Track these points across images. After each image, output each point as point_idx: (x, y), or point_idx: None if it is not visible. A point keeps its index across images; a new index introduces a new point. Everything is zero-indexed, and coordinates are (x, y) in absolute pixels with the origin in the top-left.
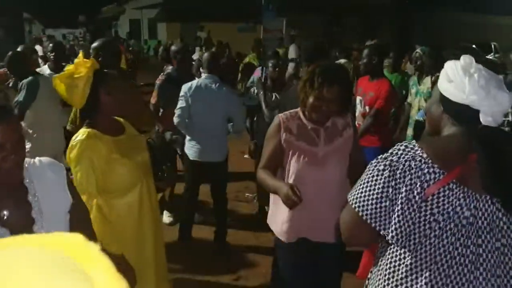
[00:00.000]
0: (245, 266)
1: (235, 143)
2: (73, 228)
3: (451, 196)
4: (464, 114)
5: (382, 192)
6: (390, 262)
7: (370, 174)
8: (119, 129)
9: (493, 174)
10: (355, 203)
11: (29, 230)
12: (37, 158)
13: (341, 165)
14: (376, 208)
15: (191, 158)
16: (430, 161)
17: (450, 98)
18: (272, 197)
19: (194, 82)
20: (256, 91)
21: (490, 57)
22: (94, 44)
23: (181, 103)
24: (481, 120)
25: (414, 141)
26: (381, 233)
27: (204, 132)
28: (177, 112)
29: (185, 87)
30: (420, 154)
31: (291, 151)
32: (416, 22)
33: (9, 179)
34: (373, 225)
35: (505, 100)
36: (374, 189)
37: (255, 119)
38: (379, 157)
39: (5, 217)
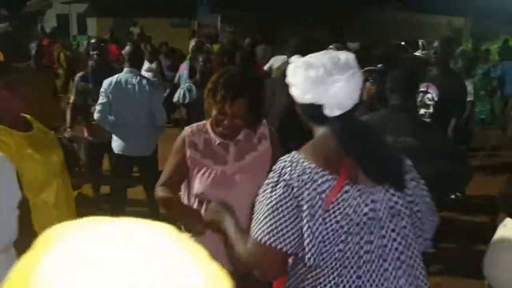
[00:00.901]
0: None
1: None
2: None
3: (349, 198)
4: (313, 112)
5: (290, 217)
6: (303, 281)
7: (270, 201)
8: (27, 125)
9: (369, 163)
10: (267, 238)
11: None
12: None
13: (254, 185)
14: (290, 235)
15: (116, 152)
16: (320, 169)
17: (298, 100)
18: None
19: (115, 77)
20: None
21: (418, 54)
22: None
23: (101, 99)
24: (328, 114)
25: (295, 152)
26: (299, 256)
27: (128, 127)
28: (97, 108)
29: (105, 83)
30: (309, 165)
31: (196, 169)
32: (350, 20)
33: None
34: (289, 251)
35: (342, 85)
36: (282, 215)
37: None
38: (268, 181)
39: None
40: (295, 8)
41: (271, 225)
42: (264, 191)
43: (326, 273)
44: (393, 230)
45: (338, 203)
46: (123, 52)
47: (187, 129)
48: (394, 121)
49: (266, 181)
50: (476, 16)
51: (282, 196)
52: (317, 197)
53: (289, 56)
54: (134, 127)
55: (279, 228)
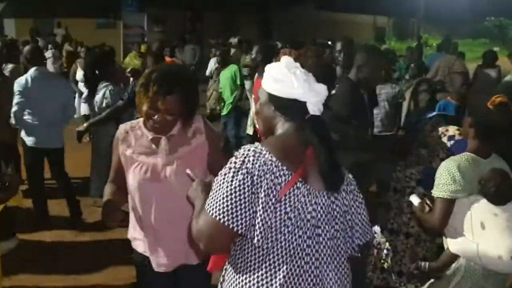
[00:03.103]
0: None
1: None
2: None
3: (299, 195)
4: (293, 107)
5: (246, 201)
6: (250, 261)
7: (230, 184)
8: None
9: (327, 167)
10: (223, 216)
11: None
12: None
13: (185, 179)
14: (244, 218)
15: (29, 145)
16: (279, 163)
17: (279, 95)
18: None
19: (26, 76)
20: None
21: None
22: None
23: (16, 99)
24: (309, 110)
25: (258, 144)
26: (248, 236)
27: (41, 121)
28: (13, 108)
29: (18, 83)
30: (270, 158)
31: (129, 164)
32: (277, 19)
33: None
34: (240, 231)
35: (322, 90)
36: (239, 199)
37: None
38: (230, 165)
39: None
40: (221, 7)
41: (228, 206)
42: (226, 174)
43: (271, 257)
44: (328, 231)
45: (290, 197)
46: (24, 52)
47: (121, 127)
48: None
49: (228, 165)
50: (399, 16)
51: (242, 182)
52: (273, 187)
53: (257, 58)
54: (46, 121)
55: (235, 210)
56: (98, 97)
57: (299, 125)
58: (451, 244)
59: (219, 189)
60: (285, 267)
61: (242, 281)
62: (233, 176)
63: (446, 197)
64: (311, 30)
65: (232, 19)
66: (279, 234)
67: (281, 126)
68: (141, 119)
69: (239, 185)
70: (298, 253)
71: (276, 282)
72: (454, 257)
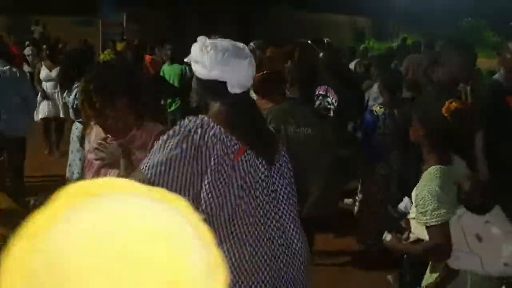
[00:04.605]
0: None
1: None
2: None
3: (250, 159)
4: (215, 88)
5: (188, 170)
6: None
7: (170, 149)
8: None
9: (258, 137)
10: (156, 177)
11: None
12: None
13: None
14: (176, 183)
15: None
16: (227, 134)
17: (200, 77)
18: None
19: None
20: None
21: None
22: None
23: None
24: (229, 90)
25: (204, 116)
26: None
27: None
28: None
29: None
30: (219, 129)
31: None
32: (255, 19)
33: None
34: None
35: (243, 68)
36: (177, 165)
37: None
38: (175, 132)
39: None
40: (199, 6)
41: (163, 169)
42: (169, 140)
43: (235, 222)
44: (282, 185)
45: (243, 163)
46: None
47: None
48: (294, 113)
49: (173, 132)
50: (378, 16)
51: (187, 152)
52: (225, 157)
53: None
54: (6, 111)
55: (170, 175)
56: (71, 98)
57: (229, 102)
58: (451, 262)
59: (159, 152)
60: (252, 230)
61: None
62: (177, 143)
63: (441, 223)
64: (290, 30)
65: (212, 18)
66: (238, 199)
67: (213, 106)
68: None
69: (183, 153)
70: (259, 214)
71: (247, 247)
72: (453, 271)
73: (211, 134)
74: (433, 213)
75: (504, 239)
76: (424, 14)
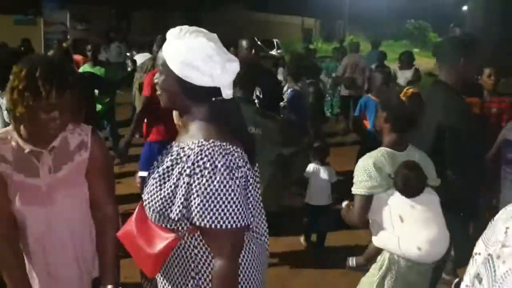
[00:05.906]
0: None
1: None
2: None
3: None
4: (209, 93)
5: (243, 195)
6: (192, 250)
7: (231, 187)
8: None
9: (246, 143)
10: (239, 221)
11: None
12: None
13: (74, 201)
14: (248, 209)
15: None
16: (238, 149)
17: (191, 82)
18: None
19: None
20: None
21: (273, 53)
22: None
23: None
24: (223, 95)
25: (210, 139)
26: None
27: None
28: None
29: None
30: (232, 148)
31: (11, 184)
32: (207, 18)
33: None
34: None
35: (235, 69)
36: (241, 197)
37: None
38: (222, 167)
39: None
40: (147, 4)
41: (239, 208)
42: (223, 177)
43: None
44: (259, 199)
45: (250, 177)
46: None
47: None
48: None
49: (218, 168)
50: (326, 17)
51: (239, 181)
52: (249, 172)
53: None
54: None
55: (245, 208)
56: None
57: (215, 107)
58: (375, 239)
59: (223, 196)
60: (261, 226)
61: (187, 275)
62: (231, 179)
63: (362, 194)
64: (241, 30)
65: (161, 17)
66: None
67: (196, 111)
68: (9, 128)
69: (237, 185)
70: (262, 210)
71: (252, 255)
72: (379, 250)
73: (236, 156)
74: (360, 184)
75: (422, 224)
76: (369, 15)
